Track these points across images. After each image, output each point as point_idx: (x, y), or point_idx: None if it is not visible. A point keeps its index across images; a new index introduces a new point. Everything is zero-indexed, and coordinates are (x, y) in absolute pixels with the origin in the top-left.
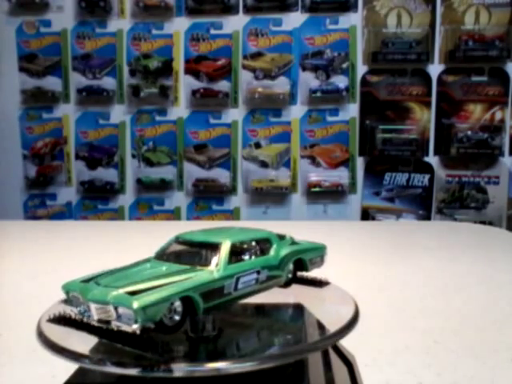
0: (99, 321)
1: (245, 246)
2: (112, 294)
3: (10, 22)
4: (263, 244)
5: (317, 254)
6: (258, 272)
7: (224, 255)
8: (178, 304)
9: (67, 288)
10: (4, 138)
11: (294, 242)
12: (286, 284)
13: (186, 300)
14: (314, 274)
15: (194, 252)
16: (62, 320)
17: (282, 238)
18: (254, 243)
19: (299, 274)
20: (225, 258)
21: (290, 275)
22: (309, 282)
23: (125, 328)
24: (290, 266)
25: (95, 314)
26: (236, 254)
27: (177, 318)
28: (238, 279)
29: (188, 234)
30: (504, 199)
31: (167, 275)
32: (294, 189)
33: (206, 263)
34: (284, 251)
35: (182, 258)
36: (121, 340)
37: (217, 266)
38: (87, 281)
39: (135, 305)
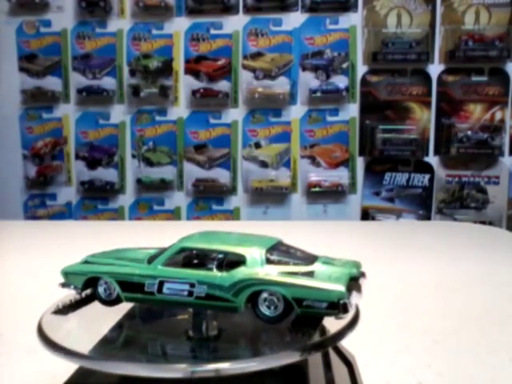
0: None
1: (199, 254)
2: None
3: (10, 22)
4: (232, 259)
5: (322, 297)
6: (192, 285)
7: (162, 256)
8: (103, 283)
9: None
10: (4, 138)
11: (309, 273)
12: (269, 320)
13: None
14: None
15: (164, 250)
16: (68, 308)
17: (306, 259)
18: (216, 255)
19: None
20: (160, 259)
21: (267, 311)
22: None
23: None
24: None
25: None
26: (187, 259)
27: (113, 296)
28: (161, 283)
29: (197, 235)
30: (504, 199)
31: (120, 258)
32: (294, 189)
33: (150, 260)
34: (249, 275)
35: (157, 253)
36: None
37: (149, 263)
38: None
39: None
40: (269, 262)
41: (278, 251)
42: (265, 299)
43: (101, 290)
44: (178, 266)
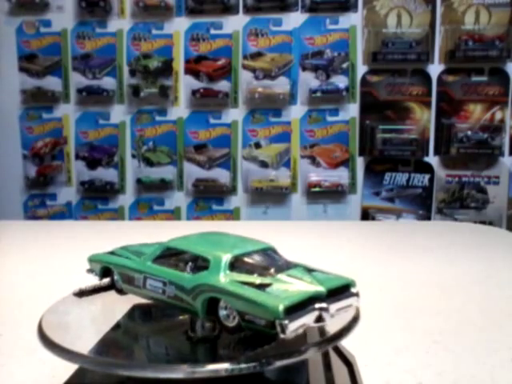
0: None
1: (179, 255)
2: None
3: (10, 22)
4: (200, 262)
5: (260, 313)
6: (165, 284)
7: (152, 253)
8: (116, 273)
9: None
10: (4, 138)
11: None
12: (228, 330)
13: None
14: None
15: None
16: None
17: (283, 267)
18: (188, 256)
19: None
20: (150, 256)
21: (225, 320)
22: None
23: None
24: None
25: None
26: (167, 257)
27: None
28: (145, 278)
29: (193, 235)
30: (504, 199)
31: (134, 252)
32: (293, 189)
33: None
34: (206, 280)
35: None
36: None
37: (140, 258)
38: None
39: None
40: (233, 268)
41: (251, 259)
42: (225, 307)
43: (115, 278)
44: (162, 264)
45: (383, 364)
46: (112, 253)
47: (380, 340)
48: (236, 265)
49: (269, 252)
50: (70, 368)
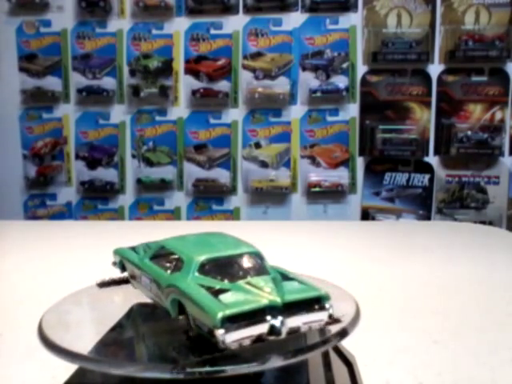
0: None
1: (169, 255)
2: None
3: (10, 22)
4: (179, 263)
5: (204, 320)
6: (151, 281)
7: (150, 251)
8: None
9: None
10: (4, 137)
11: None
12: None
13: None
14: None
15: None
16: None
17: (251, 273)
18: (174, 256)
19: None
20: (148, 253)
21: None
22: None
23: None
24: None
25: None
26: (161, 255)
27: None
28: (141, 275)
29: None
30: (504, 199)
31: (146, 249)
32: (293, 189)
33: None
34: (175, 281)
35: None
36: None
37: (144, 255)
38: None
39: None
40: (202, 271)
41: (224, 263)
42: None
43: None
44: (154, 262)
45: (383, 364)
46: (133, 248)
47: (380, 340)
48: (206, 268)
49: (248, 257)
50: (70, 368)
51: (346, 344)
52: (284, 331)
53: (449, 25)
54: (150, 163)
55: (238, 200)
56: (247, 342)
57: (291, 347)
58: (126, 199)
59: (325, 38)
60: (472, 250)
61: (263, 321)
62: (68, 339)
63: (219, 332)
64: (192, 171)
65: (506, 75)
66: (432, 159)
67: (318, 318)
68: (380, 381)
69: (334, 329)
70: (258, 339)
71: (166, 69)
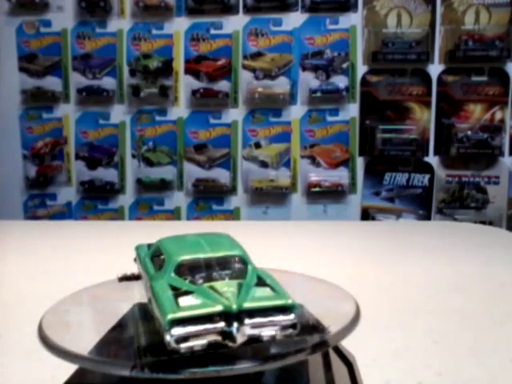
0: None
1: (160, 254)
2: None
3: (10, 22)
4: (162, 262)
5: (160, 321)
6: (145, 279)
7: (151, 250)
8: None
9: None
10: (4, 138)
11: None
12: None
13: None
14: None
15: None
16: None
17: (223, 276)
18: (162, 256)
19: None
20: (149, 252)
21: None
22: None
23: None
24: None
25: None
26: (156, 255)
27: None
28: (142, 273)
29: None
30: (504, 199)
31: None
32: (293, 189)
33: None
34: (152, 281)
35: None
36: None
37: (147, 253)
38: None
39: None
40: (177, 272)
41: (200, 264)
42: None
43: None
44: (152, 261)
45: (383, 364)
46: (149, 245)
47: (380, 340)
48: (182, 269)
49: (228, 260)
50: (70, 368)
51: (346, 344)
52: (240, 338)
53: (449, 25)
54: (149, 163)
55: (238, 200)
56: (198, 347)
57: (257, 354)
58: (126, 199)
59: (325, 37)
60: (472, 250)
61: (215, 326)
62: (68, 339)
63: (166, 334)
64: (192, 171)
65: (506, 75)
66: (432, 159)
67: (279, 327)
68: (380, 381)
69: (315, 339)
70: (213, 345)
71: (166, 69)
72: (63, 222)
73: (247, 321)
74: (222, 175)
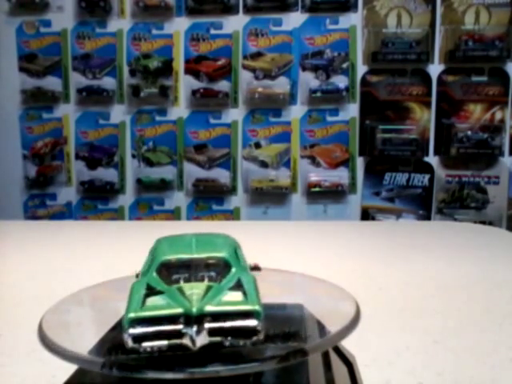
0: None
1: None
2: None
3: (10, 22)
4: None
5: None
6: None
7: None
8: None
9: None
10: (4, 138)
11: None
12: None
13: None
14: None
15: None
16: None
17: (198, 278)
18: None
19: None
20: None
21: None
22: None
23: None
24: None
25: None
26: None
27: None
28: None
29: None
30: (504, 199)
31: None
32: (293, 189)
33: None
34: (138, 281)
35: None
36: None
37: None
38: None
39: None
40: (158, 272)
41: (182, 265)
42: None
43: None
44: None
45: (383, 364)
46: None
47: (380, 340)
48: (163, 269)
49: (210, 262)
50: (70, 368)
51: (346, 344)
52: (199, 342)
53: (449, 25)
54: (149, 163)
55: (238, 200)
56: (157, 348)
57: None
58: (126, 199)
59: (325, 37)
60: (472, 250)
61: (174, 328)
62: (68, 339)
63: (124, 333)
64: (192, 171)
65: (506, 75)
66: (432, 159)
67: (241, 333)
68: (380, 381)
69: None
70: (174, 347)
71: (166, 69)
72: (63, 221)
73: (207, 325)
74: (222, 175)
